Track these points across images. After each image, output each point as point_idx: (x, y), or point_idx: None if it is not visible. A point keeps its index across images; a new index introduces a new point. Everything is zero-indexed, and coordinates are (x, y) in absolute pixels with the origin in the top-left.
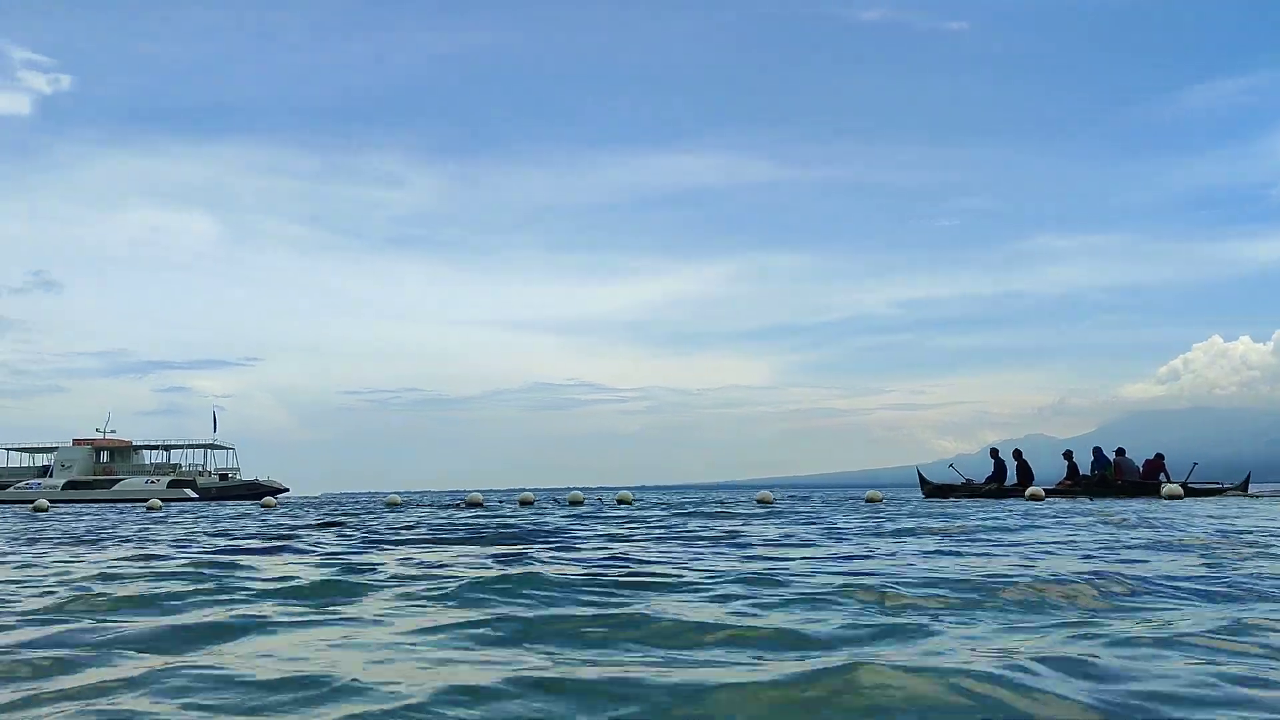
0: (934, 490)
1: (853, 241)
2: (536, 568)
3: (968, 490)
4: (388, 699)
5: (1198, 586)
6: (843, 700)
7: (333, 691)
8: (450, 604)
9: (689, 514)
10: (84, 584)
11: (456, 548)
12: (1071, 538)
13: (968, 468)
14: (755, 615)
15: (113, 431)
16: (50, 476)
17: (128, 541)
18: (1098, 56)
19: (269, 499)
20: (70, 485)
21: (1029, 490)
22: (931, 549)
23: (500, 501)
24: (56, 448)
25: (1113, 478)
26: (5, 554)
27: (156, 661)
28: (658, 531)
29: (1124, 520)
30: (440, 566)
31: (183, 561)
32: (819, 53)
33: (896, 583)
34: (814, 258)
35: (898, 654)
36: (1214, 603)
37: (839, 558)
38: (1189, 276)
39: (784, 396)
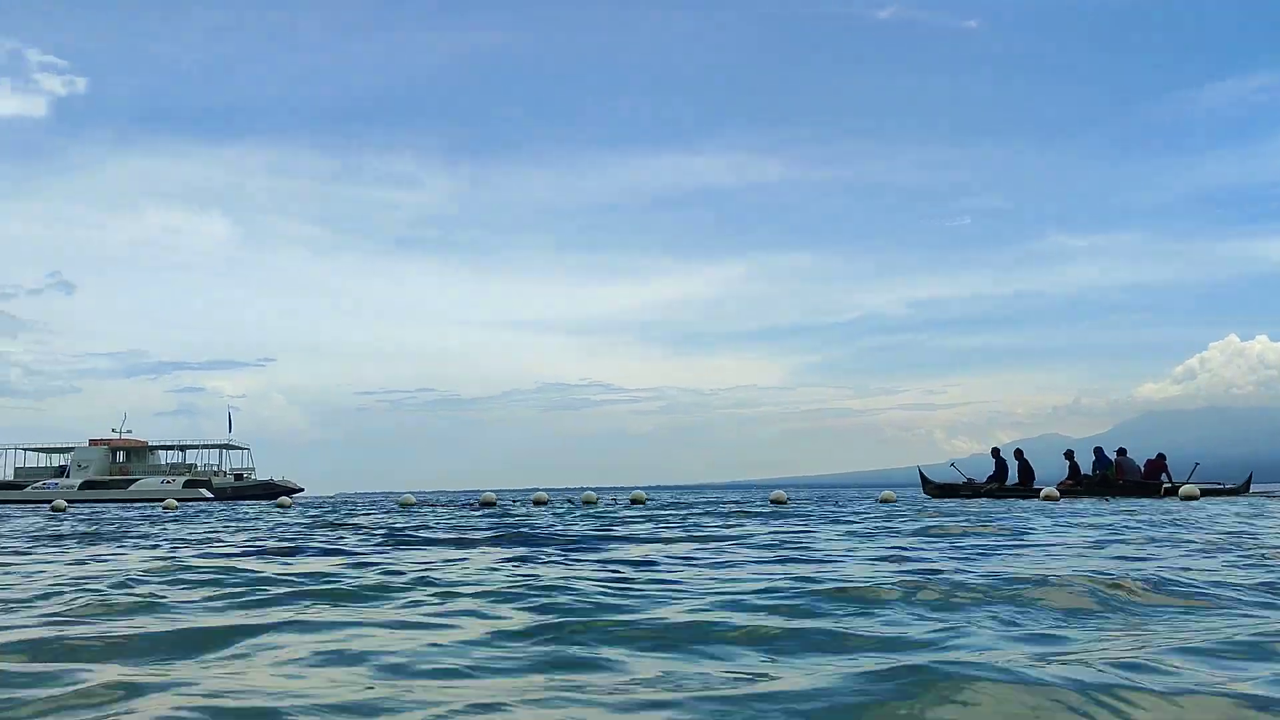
0: (936, 489)
1: (864, 241)
2: (575, 570)
3: (970, 489)
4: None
5: (1261, 589)
6: (943, 708)
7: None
8: (504, 607)
9: (708, 514)
10: (142, 582)
11: (483, 549)
12: (1108, 537)
13: (980, 468)
14: (822, 619)
15: (129, 432)
16: (67, 477)
17: (165, 541)
18: (1110, 54)
19: (284, 499)
20: (87, 485)
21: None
22: (971, 547)
23: (514, 501)
24: (73, 448)
25: (1114, 478)
26: (50, 554)
27: (215, 663)
28: (677, 531)
29: (1151, 520)
30: (484, 569)
31: (215, 563)
32: (829, 52)
33: (955, 583)
34: (825, 258)
35: (978, 656)
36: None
37: (886, 559)
38: (1205, 275)
39: (796, 397)
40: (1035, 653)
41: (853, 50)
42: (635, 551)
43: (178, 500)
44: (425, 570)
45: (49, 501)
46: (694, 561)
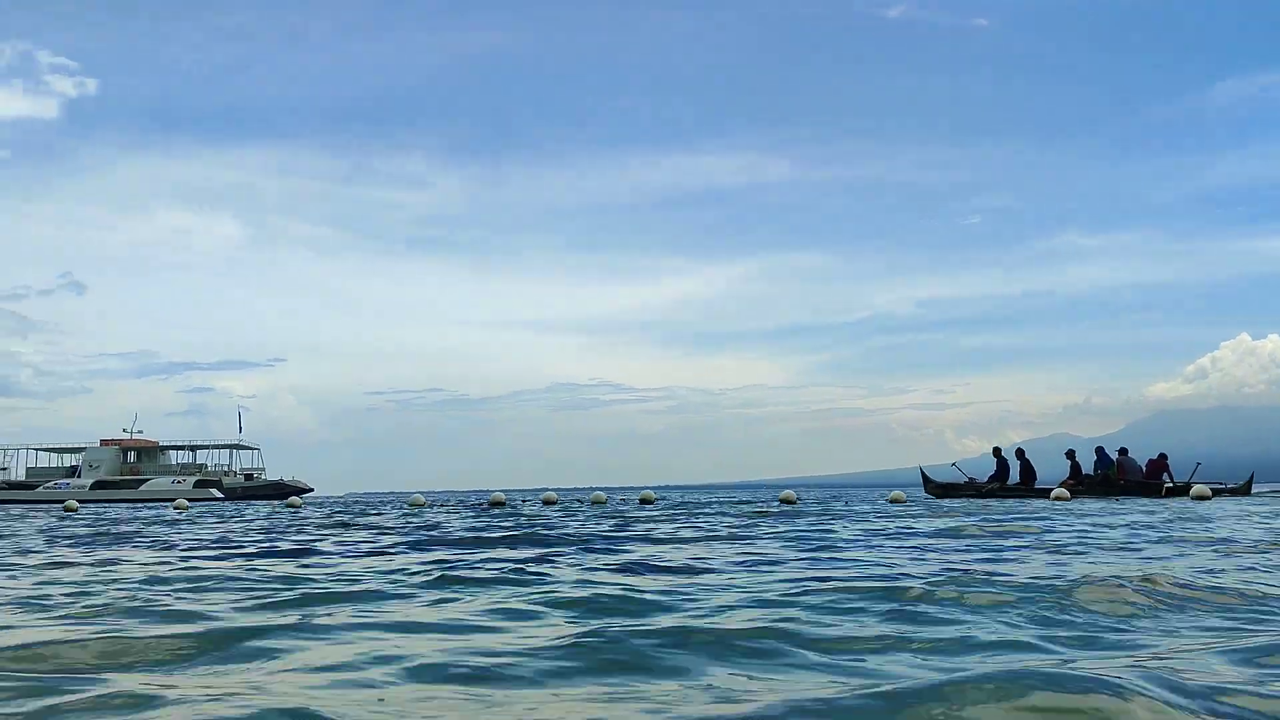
0: (937, 489)
1: (874, 241)
2: (612, 571)
3: (971, 489)
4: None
5: None
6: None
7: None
8: (550, 609)
9: (721, 513)
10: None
11: (506, 549)
12: (1133, 537)
13: (987, 468)
14: (864, 623)
15: (139, 432)
16: (78, 476)
17: (182, 541)
18: (1118, 53)
19: (294, 499)
20: (98, 485)
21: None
22: (1002, 549)
23: (524, 501)
24: (84, 448)
25: (1116, 477)
26: (73, 557)
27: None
28: (700, 530)
29: (1170, 520)
30: (513, 570)
31: (238, 565)
32: (837, 51)
33: (998, 585)
34: (835, 257)
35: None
36: None
37: (921, 558)
38: (1216, 274)
39: (806, 396)
40: (1108, 655)
41: (861, 49)
42: (667, 551)
43: (188, 500)
44: (455, 571)
45: (61, 501)
46: (732, 560)
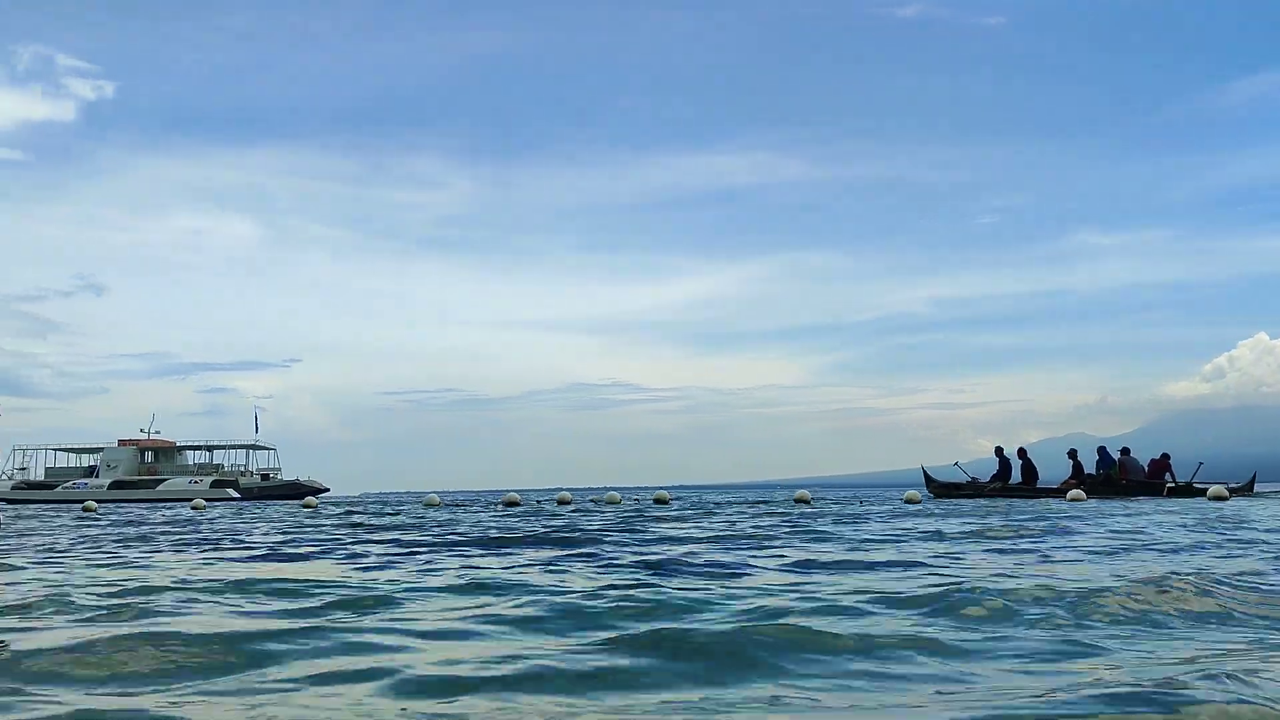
0: (940, 489)
1: (888, 240)
2: (650, 571)
3: (973, 489)
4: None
5: None
6: None
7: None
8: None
9: (743, 514)
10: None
11: (533, 549)
12: (1163, 540)
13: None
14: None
15: (157, 432)
16: (96, 477)
17: (202, 542)
18: (1137, 50)
19: (310, 499)
20: (116, 485)
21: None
22: (1042, 551)
23: (538, 501)
24: (102, 448)
25: (1117, 477)
26: (128, 556)
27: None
28: (728, 528)
29: (1199, 521)
30: (544, 570)
31: (274, 568)
32: (851, 50)
33: (1067, 589)
34: (849, 256)
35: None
36: None
37: (966, 561)
38: (1234, 272)
39: (820, 396)
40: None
41: (873, 48)
42: (703, 552)
43: (205, 500)
44: (484, 572)
45: (80, 501)
46: (771, 561)
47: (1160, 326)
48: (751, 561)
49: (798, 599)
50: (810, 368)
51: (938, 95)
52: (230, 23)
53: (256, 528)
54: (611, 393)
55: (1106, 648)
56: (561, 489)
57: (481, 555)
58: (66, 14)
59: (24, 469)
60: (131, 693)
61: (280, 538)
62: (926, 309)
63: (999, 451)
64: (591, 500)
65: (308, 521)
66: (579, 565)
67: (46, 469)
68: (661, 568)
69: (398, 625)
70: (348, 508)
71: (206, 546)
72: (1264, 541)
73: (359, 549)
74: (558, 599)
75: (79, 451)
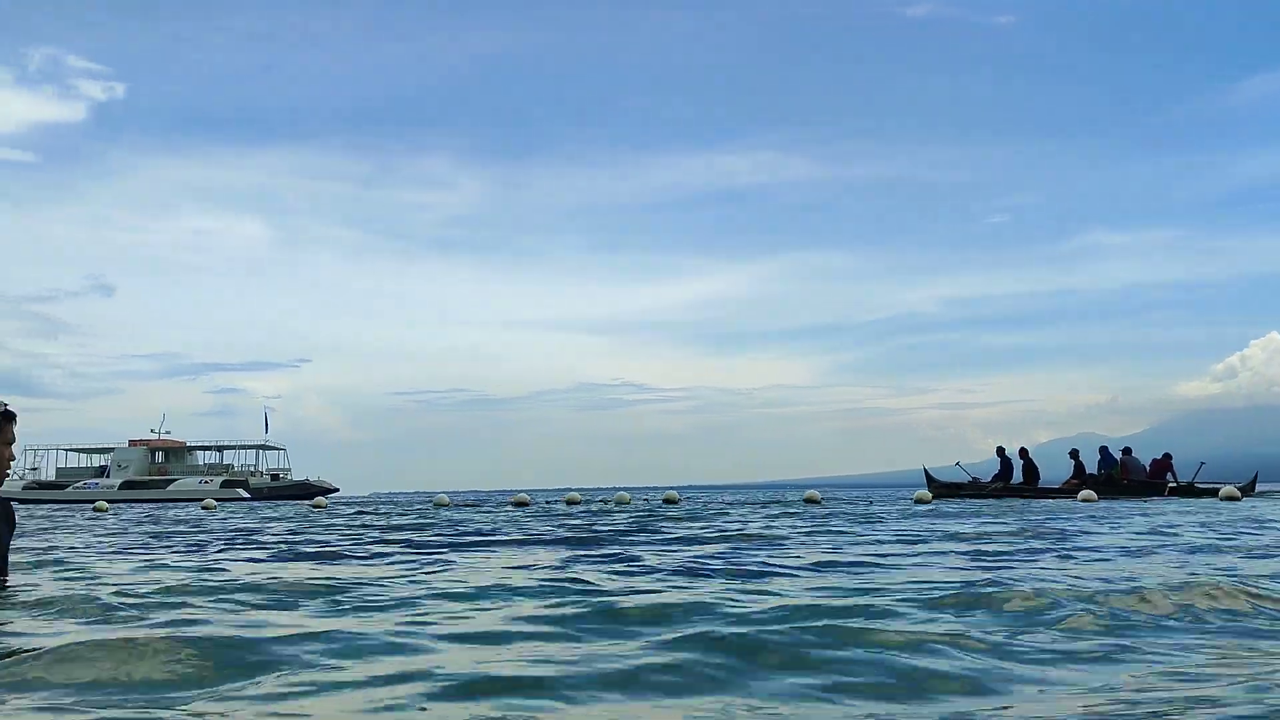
0: (941, 489)
1: (898, 239)
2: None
3: (974, 489)
4: None
5: None
6: None
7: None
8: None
9: (755, 514)
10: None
11: (563, 550)
12: (1190, 541)
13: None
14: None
15: (167, 432)
16: (107, 477)
17: (221, 544)
18: (1149, 49)
19: (320, 499)
20: (126, 485)
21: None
22: (1074, 552)
23: (547, 502)
24: (113, 448)
25: (1119, 477)
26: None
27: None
28: (762, 528)
29: (1223, 522)
30: (577, 571)
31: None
32: (863, 49)
33: (1118, 592)
34: (859, 256)
35: None
36: None
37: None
38: (1246, 271)
39: (830, 396)
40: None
41: (883, 48)
42: (729, 554)
43: (216, 500)
44: (513, 573)
45: (90, 501)
46: (794, 561)
47: (1170, 326)
48: (776, 561)
49: (834, 598)
50: (818, 368)
51: (945, 95)
52: (239, 24)
53: (269, 528)
54: (619, 393)
55: (1159, 648)
56: (570, 489)
57: (502, 555)
58: (77, 16)
59: (35, 469)
60: (151, 697)
61: (293, 538)
62: (935, 309)
63: (1000, 451)
64: (601, 501)
65: (320, 522)
66: (604, 566)
67: (58, 469)
68: (689, 568)
69: (426, 628)
70: (359, 508)
71: (220, 547)
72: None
73: (375, 549)
74: (592, 599)
75: (90, 452)
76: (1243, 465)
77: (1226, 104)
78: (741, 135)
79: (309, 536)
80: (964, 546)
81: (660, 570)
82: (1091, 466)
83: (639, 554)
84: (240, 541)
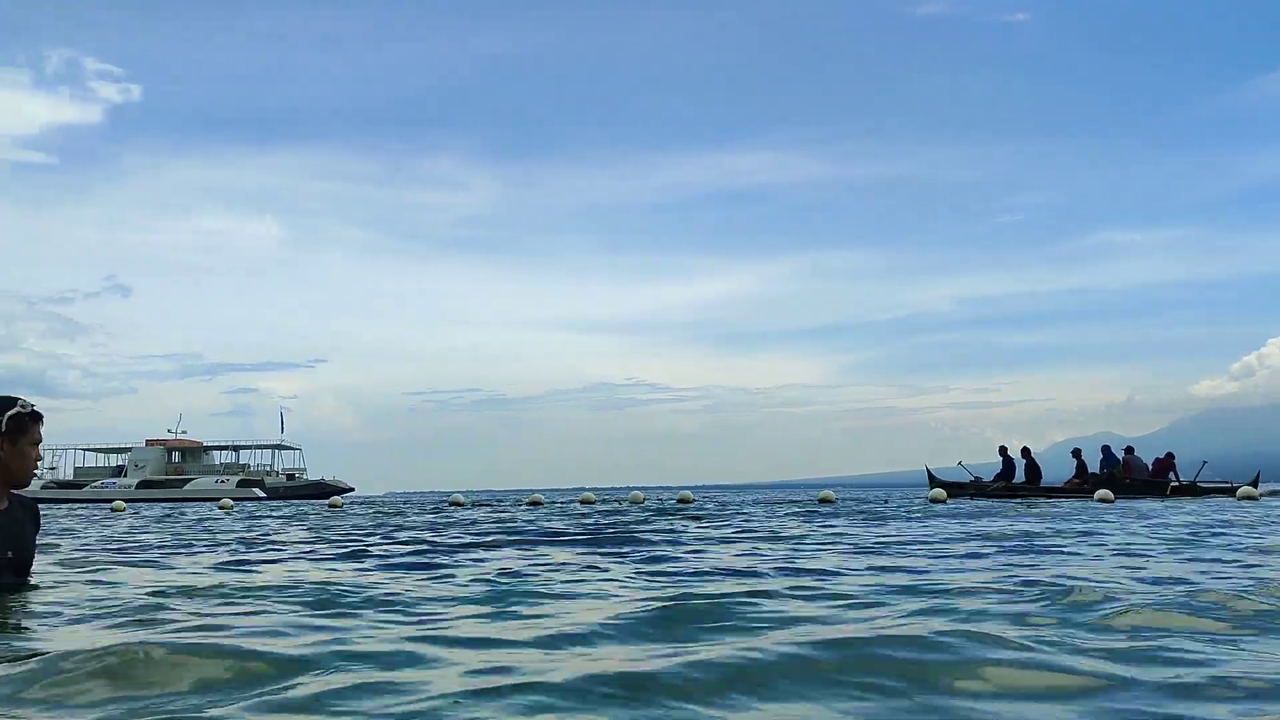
0: (943, 489)
1: (912, 239)
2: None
3: (976, 488)
4: None
5: None
6: None
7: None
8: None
9: (775, 514)
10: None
11: (603, 550)
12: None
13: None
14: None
15: (184, 432)
16: (124, 476)
17: (244, 545)
18: (1165, 46)
19: (336, 499)
20: (144, 485)
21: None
22: (1123, 553)
23: (562, 502)
24: (130, 448)
25: (1121, 476)
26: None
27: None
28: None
29: (1248, 522)
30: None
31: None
32: (873, 50)
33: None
34: (873, 255)
35: None
36: None
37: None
38: (1264, 269)
39: (844, 395)
40: None
41: (896, 47)
42: (766, 553)
43: (232, 500)
44: (552, 573)
45: (108, 501)
46: (816, 563)
47: (1187, 325)
48: (802, 563)
49: (878, 597)
50: (833, 367)
51: (959, 94)
52: (254, 27)
53: (288, 528)
54: (633, 392)
55: (1244, 647)
56: (584, 489)
57: (527, 555)
58: (95, 19)
59: (53, 468)
60: (186, 704)
61: (313, 539)
62: (950, 308)
63: (1003, 451)
64: (616, 501)
65: (336, 521)
66: (635, 567)
67: (75, 468)
68: (720, 570)
69: (467, 630)
70: (377, 508)
71: (239, 548)
72: None
73: (395, 549)
74: (632, 604)
75: (107, 451)
76: (1261, 464)
77: (1243, 102)
78: (752, 135)
79: (327, 536)
80: (992, 546)
81: (693, 570)
82: (1094, 465)
83: (665, 553)
84: (259, 542)
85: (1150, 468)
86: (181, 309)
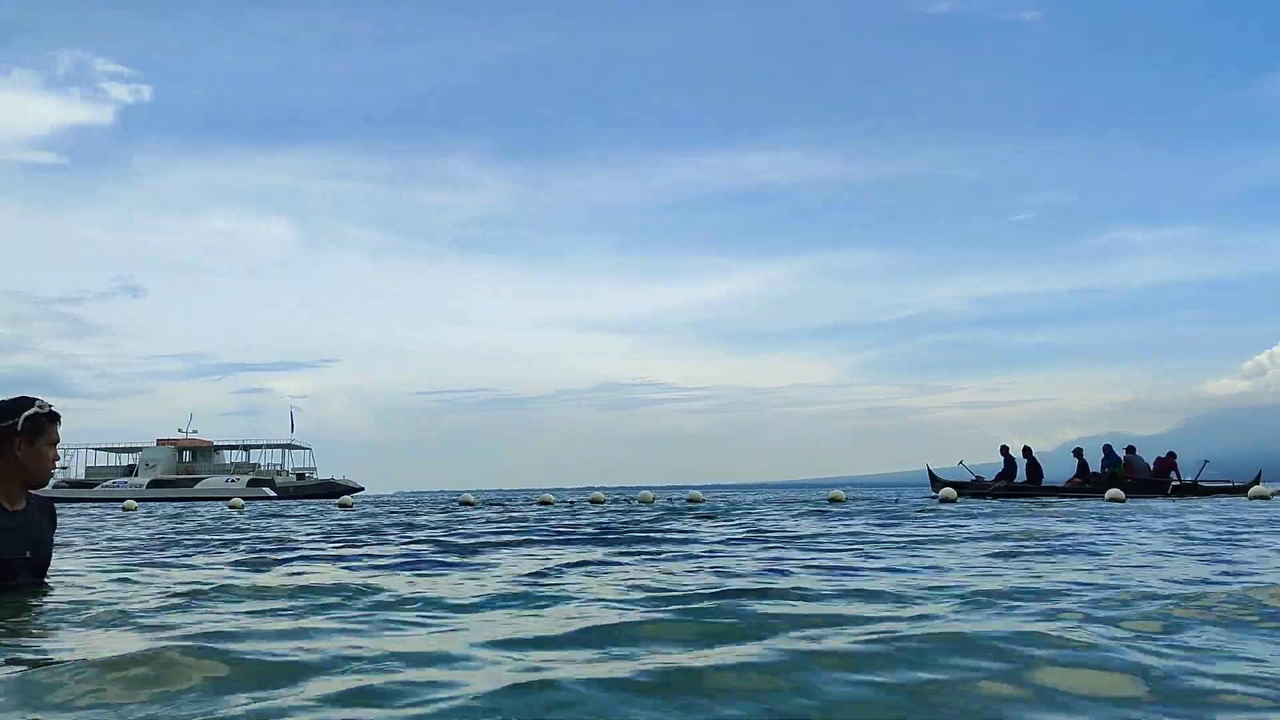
0: (952, 488)
1: (922, 238)
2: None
3: (977, 488)
4: None
5: None
6: None
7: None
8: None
9: (788, 513)
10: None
11: (614, 549)
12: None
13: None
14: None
15: (194, 432)
16: (135, 476)
17: (263, 546)
18: (1175, 44)
19: (346, 498)
20: (154, 484)
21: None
22: (1120, 554)
23: (570, 502)
24: (141, 448)
25: (1122, 475)
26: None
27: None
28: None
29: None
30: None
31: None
32: (883, 47)
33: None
34: (882, 254)
35: None
36: None
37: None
38: (1274, 268)
39: (853, 395)
40: None
41: (906, 45)
42: (790, 552)
43: (242, 499)
44: (572, 572)
45: (119, 500)
46: (837, 560)
47: (1198, 324)
48: (826, 562)
49: (910, 595)
50: (843, 366)
51: (969, 92)
52: (265, 27)
53: (301, 528)
54: (642, 392)
55: None
56: (592, 488)
57: (545, 554)
58: (105, 20)
59: (65, 468)
60: (191, 709)
61: (325, 538)
62: (959, 307)
63: (1004, 450)
64: (625, 500)
65: (347, 521)
66: (657, 565)
67: (87, 468)
68: (744, 568)
69: (488, 631)
70: (388, 507)
71: (254, 548)
72: None
73: (411, 548)
74: (661, 602)
75: (118, 451)
76: (1273, 463)
77: (1254, 100)
78: (763, 134)
79: (339, 536)
80: (1030, 544)
81: (713, 571)
82: (1095, 465)
83: (678, 552)
84: (272, 542)
85: (1151, 467)
86: (192, 309)
